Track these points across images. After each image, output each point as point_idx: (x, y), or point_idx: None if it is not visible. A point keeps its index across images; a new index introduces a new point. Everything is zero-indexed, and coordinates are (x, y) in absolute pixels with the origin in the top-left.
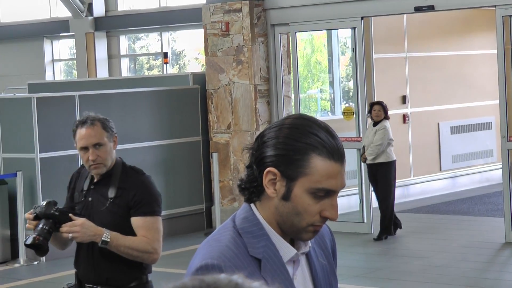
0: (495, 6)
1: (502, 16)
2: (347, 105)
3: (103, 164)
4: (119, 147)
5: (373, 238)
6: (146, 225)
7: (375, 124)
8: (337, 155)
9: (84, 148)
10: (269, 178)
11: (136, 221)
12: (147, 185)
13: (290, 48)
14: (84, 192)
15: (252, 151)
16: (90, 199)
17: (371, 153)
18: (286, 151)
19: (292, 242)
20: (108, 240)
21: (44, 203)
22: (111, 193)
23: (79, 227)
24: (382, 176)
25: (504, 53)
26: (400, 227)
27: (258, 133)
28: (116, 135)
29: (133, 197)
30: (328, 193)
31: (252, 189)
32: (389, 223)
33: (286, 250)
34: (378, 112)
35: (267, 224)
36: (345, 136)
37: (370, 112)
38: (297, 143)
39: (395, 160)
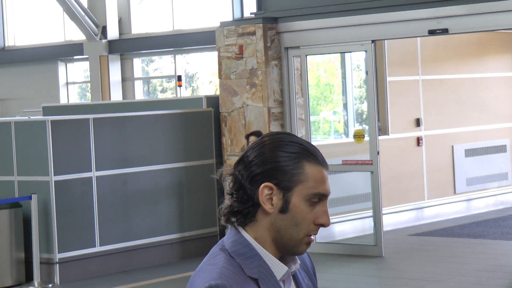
0: (510, 29)
1: None
2: (359, 127)
3: None
4: (132, 170)
5: None
6: None
7: None
8: (322, 160)
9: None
10: (265, 194)
11: None
12: None
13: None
14: None
15: (239, 173)
16: None
17: None
18: (277, 163)
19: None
20: None
21: None
22: None
23: None
24: None
25: None
26: None
27: None
28: None
29: None
30: (321, 199)
31: (247, 210)
32: None
33: (278, 268)
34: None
35: (257, 244)
36: (360, 159)
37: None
38: (286, 154)
39: None
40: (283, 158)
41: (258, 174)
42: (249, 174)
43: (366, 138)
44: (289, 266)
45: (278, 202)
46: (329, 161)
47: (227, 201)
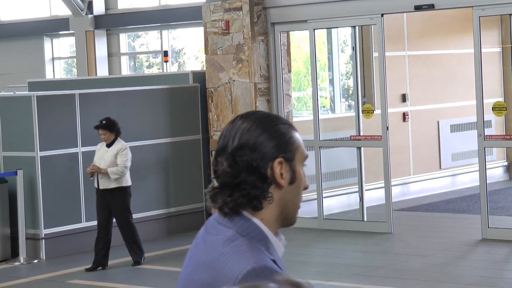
0: (495, 4)
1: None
2: (367, 103)
3: None
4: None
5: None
6: None
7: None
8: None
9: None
10: (278, 168)
11: None
12: None
13: (298, 46)
14: None
15: (246, 159)
16: None
17: (116, 173)
18: (280, 137)
19: None
20: None
21: None
22: None
23: None
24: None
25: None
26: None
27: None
28: None
29: None
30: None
31: (264, 193)
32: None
33: (279, 248)
34: (104, 136)
35: (265, 226)
36: (349, 135)
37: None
38: (280, 126)
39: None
40: (282, 130)
41: (268, 152)
42: (259, 155)
43: (377, 112)
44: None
45: (286, 174)
46: (321, 136)
47: (236, 195)
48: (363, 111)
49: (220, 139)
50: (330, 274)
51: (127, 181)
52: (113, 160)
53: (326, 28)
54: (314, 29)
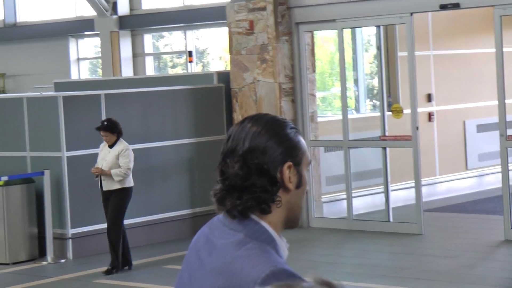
0: None
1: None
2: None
3: None
4: (143, 145)
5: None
6: None
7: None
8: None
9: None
10: (287, 172)
11: None
12: None
13: (318, 46)
14: None
15: (257, 162)
16: None
17: (119, 175)
18: (289, 142)
19: None
20: None
21: None
22: None
23: None
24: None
25: None
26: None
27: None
28: None
29: None
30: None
31: (274, 196)
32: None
33: (284, 251)
34: (106, 137)
35: (272, 230)
36: (374, 135)
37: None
38: (289, 131)
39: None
40: (291, 135)
41: (278, 156)
42: (269, 158)
43: (406, 111)
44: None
45: (294, 178)
46: (340, 136)
47: (245, 197)
48: (392, 111)
49: (228, 141)
50: (357, 275)
51: (130, 182)
52: (115, 161)
53: (355, 28)
54: (342, 29)
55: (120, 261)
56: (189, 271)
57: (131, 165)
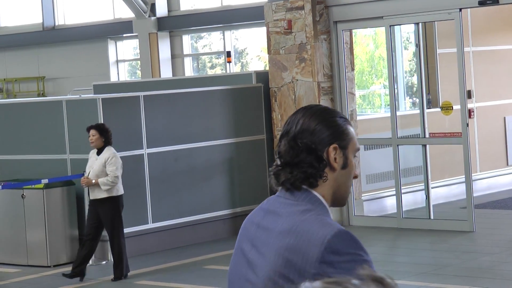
0: None
1: None
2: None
3: None
4: (183, 146)
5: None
6: None
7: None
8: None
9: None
10: (333, 153)
11: None
12: None
13: (354, 44)
14: None
15: (306, 141)
16: None
17: (106, 184)
18: (337, 127)
19: None
20: None
21: None
22: None
23: None
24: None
25: None
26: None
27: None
28: None
29: None
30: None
31: (320, 172)
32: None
33: None
34: (93, 137)
35: (325, 202)
36: (414, 132)
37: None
38: (338, 118)
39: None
40: (339, 122)
41: (325, 138)
42: (317, 139)
43: (456, 107)
44: None
45: (340, 159)
46: (384, 134)
47: (295, 172)
48: (442, 108)
49: (284, 125)
50: (398, 273)
51: (118, 191)
52: (102, 169)
53: (403, 24)
54: (390, 26)
55: (128, 269)
56: (250, 242)
57: (119, 173)
